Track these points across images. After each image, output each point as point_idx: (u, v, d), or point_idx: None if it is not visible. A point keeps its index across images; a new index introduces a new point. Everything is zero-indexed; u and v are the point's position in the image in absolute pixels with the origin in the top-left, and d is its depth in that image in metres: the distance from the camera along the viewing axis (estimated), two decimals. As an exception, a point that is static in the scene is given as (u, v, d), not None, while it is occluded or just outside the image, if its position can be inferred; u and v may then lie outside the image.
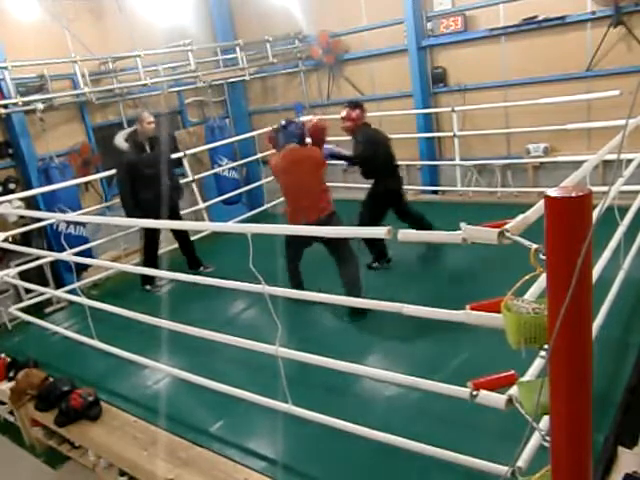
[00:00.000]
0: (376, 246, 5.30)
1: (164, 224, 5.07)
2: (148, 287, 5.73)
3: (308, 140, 4.80)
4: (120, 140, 5.38)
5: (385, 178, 5.30)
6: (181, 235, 5.93)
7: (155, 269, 5.11)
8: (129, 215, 5.33)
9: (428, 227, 5.39)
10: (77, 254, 5.42)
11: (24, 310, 5.33)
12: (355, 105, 5.27)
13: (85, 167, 7.11)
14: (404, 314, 2.55)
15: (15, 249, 5.02)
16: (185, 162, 7.10)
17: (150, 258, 5.63)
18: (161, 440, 3.32)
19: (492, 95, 7.29)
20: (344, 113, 5.22)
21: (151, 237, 5.63)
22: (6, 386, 4.24)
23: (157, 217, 4.96)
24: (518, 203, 6.35)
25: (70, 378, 3.98)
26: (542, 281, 1.95)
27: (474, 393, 2.23)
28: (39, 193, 6.08)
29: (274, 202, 7.84)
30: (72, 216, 5.99)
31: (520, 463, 2.15)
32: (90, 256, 6.11)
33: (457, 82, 7.59)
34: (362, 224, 5.07)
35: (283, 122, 4.78)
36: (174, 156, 6.24)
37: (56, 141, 6.91)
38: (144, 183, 5.28)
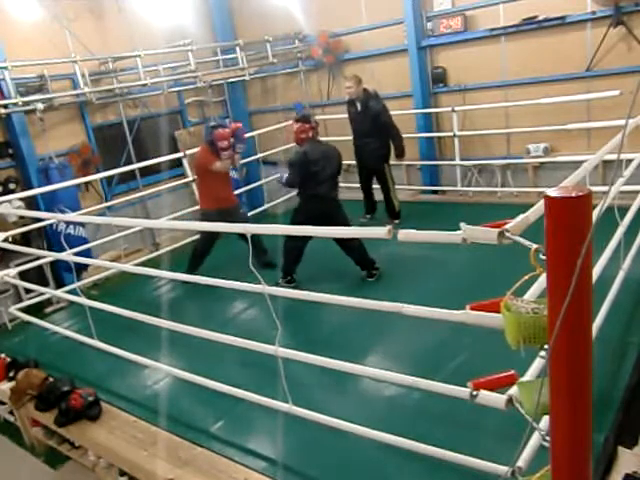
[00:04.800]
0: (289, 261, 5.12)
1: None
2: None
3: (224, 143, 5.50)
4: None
5: (311, 200, 4.91)
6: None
7: None
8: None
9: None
10: (76, 254, 5.44)
11: (24, 310, 5.32)
12: (297, 119, 5.08)
13: (85, 167, 7.10)
14: (404, 314, 2.55)
15: (15, 249, 5.01)
16: (185, 162, 7.15)
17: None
18: (161, 440, 3.32)
19: (492, 95, 7.28)
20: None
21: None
22: (6, 386, 4.23)
23: (364, 161, 6.62)
24: (518, 203, 6.35)
25: (70, 378, 3.98)
26: (542, 281, 1.95)
27: (474, 393, 2.23)
28: (39, 193, 6.08)
29: (274, 202, 7.86)
30: (72, 216, 5.98)
31: (520, 463, 2.15)
32: (89, 257, 6.15)
33: (457, 82, 7.58)
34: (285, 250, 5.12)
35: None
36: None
37: (56, 141, 6.90)
38: (354, 132, 6.69)
